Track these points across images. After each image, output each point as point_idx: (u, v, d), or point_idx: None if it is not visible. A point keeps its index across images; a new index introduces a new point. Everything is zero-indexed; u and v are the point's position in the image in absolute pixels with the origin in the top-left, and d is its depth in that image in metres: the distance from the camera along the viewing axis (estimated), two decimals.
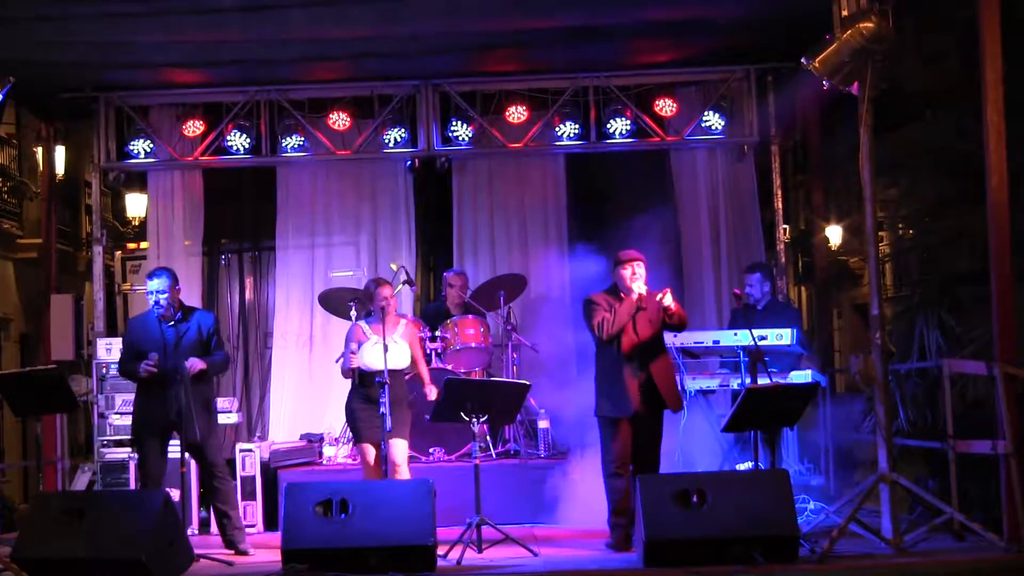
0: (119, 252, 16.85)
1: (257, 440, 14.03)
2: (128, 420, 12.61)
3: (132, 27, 12.84)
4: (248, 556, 10.86)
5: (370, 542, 9.50)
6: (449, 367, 13.37)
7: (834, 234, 15.24)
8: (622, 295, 10.71)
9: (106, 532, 9.44)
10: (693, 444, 12.47)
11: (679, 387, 11.02)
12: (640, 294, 10.60)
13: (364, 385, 11.20)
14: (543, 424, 13.41)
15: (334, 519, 9.63)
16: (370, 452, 11.25)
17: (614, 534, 10.73)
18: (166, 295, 10.93)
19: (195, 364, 10.79)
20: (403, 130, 15.16)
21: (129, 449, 13.10)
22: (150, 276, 11.14)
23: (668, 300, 10.56)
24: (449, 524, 10.77)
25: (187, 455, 11.03)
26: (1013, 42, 10.49)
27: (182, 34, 13.21)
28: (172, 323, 10.97)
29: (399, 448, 11.20)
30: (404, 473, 11.20)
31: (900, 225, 13.52)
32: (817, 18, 11.04)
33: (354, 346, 11.28)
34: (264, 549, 11.00)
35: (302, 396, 15.38)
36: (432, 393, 11.51)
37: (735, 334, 12.03)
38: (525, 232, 15.46)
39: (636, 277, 10.68)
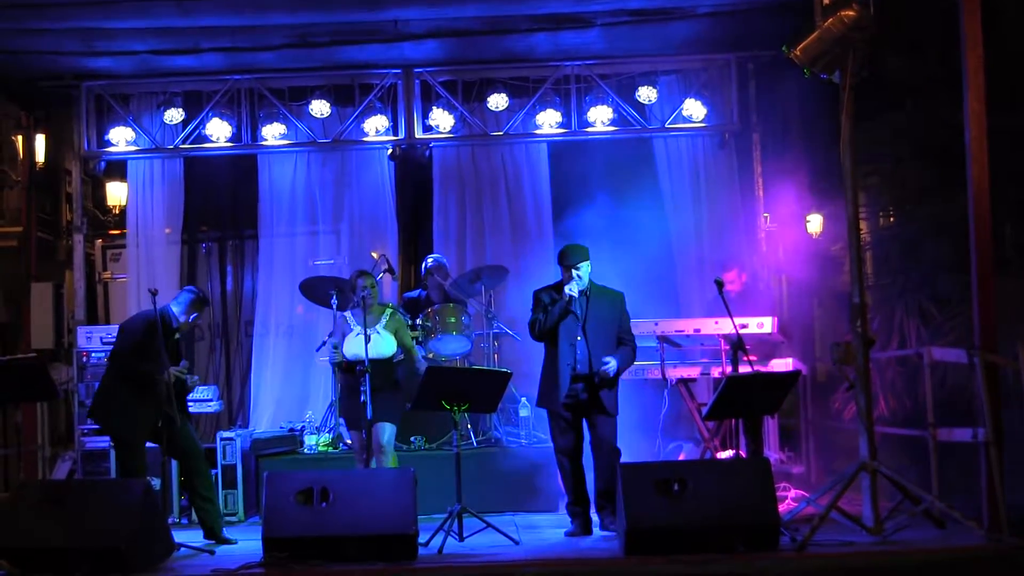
0: (99, 240, 16.74)
1: (238, 428, 14.00)
2: None
3: (110, 14, 12.83)
4: (228, 545, 10.85)
5: (351, 531, 9.51)
6: (430, 355, 13.36)
7: (815, 222, 15.21)
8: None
9: (87, 521, 9.44)
10: (673, 432, 12.52)
11: (617, 395, 11.01)
12: (571, 296, 10.68)
13: (351, 374, 11.20)
14: (524, 412, 13.42)
15: (315, 508, 9.62)
16: (361, 439, 11.26)
17: (574, 522, 10.87)
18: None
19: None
20: (384, 118, 15.16)
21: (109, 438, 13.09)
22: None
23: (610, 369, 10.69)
24: (430, 513, 10.80)
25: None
26: (993, 30, 10.50)
27: (161, 21, 13.19)
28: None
29: (384, 431, 11.25)
30: (389, 455, 11.22)
31: (881, 213, 13.54)
32: (798, 6, 11.05)
33: (335, 341, 11.33)
34: (245, 538, 10.99)
35: (283, 385, 15.36)
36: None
37: (716, 322, 12.03)
38: (507, 220, 15.45)
39: (571, 279, 10.73)
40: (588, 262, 10.82)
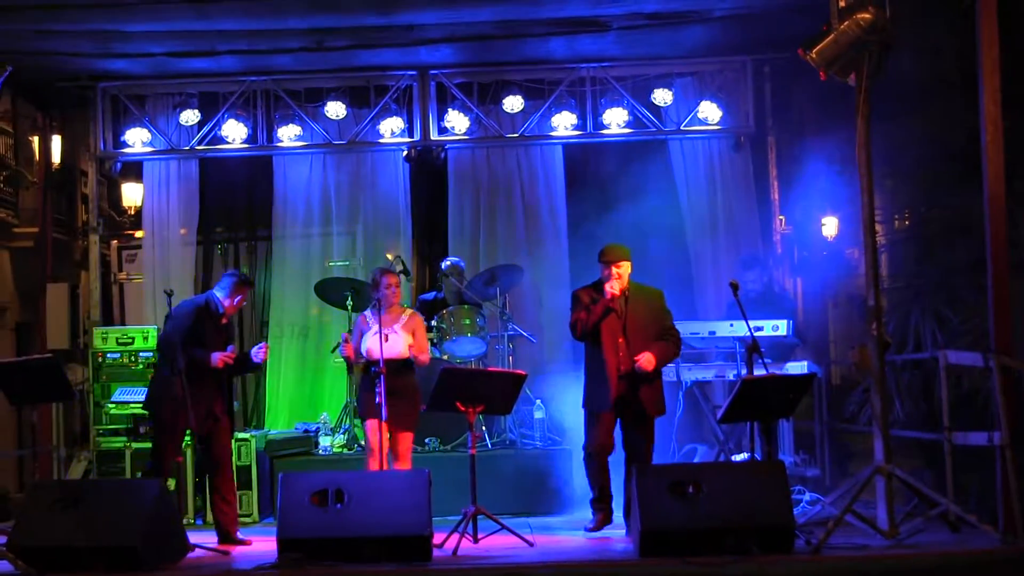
0: (115, 241, 16.77)
1: (253, 429, 14.00)
2: (125, 409, 12.74)
3: (127, 15, 12.86)
4: (243, 546, 10.85)
5: (366, 532, 9.50)
6: (445, 357, 13.36)
7: (830, 224, 15.19)
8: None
9: (101, 520, 9.44)
10: (688, 434, 12.52)
11: (663, 391, 11.05)
12: (613, 295, 10.69)
13: (370, 373, 11.17)
14: (539, 414, 13.42)
15: (329, 509, 9.62)
16: (371, 430, 11.22)
17: (596, 516, 10.98)
18: None
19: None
20: (400, 120, 15.18)
21: (125, 438, 13.09)
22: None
23: (643, 363, 10.68)
24: (445, 514, 10.79)
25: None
26: (1010, 31, 10.48)
27: (177, 24, 13.21)
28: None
29: (403, 441, 11.26)
30: (406, 466, 11.21)
31: (896, 216, 13.51)
32: (815, 9, 11.04)
33: (348, 336, 11.33)
34: (259, 539, 10.99)
35: (298, 386, 15.40)
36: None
37: (731, 325, 12.03)
38: (522, 222, 15.46)
39: (613, 277, 10.75)
40: (629, 262, 10.85)
